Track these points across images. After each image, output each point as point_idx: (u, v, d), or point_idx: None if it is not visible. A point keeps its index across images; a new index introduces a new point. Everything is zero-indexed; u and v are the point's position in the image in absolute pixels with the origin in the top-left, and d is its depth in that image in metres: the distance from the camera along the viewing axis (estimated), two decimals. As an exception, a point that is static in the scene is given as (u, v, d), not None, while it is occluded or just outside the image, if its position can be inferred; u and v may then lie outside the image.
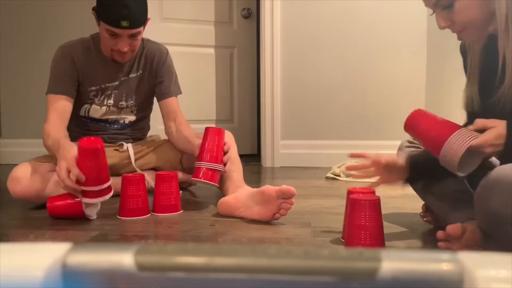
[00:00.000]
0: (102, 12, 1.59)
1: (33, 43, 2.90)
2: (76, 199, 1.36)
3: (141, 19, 1.61)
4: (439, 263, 0.29)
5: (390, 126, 2.62)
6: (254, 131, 3.27)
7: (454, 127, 1.00)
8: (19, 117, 2.95)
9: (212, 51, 3.09)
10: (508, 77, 0.97)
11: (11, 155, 2.81)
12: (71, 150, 1.33)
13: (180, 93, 1.88)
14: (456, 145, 0.95)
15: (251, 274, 0.29)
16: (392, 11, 2.67)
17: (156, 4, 2.89)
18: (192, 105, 3.03)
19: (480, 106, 1.08)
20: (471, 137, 0.94)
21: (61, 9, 2.88)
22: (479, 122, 0.96)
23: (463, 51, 1.19)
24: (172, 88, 1.82)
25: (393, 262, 0.29)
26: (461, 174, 1.01)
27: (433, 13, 1.06)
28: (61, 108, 1.64)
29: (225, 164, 1.50)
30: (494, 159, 1.22)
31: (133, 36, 1.62)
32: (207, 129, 1.51)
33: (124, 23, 1.56)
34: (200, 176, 1.46)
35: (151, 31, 2.84)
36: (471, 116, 1.11)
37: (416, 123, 1.07)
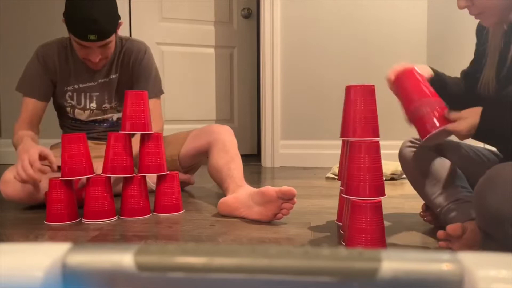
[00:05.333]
0: (69, 25, 1.57)
1: (33, 43, 2.90)
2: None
3: (110, 30, 1.58)
4: (439, 263, 0.29)
5: (390, 126, 2.62)
6: (254, 131, 3.27)
7: (432, 98, 1.04)
8: (19, 117, 2.94)
9: (212, 51, 3.09)
10: None
11: (11, 155, 2.80)
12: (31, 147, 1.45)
13: (161, 93, 1.82)
14: (430, 122, 1.01)
15: (251, 274, 0.29)
16: (392, 11, 2.67)
17: (156, 4, 2.89)
18: (192, 105, 3.04)
19: (496, 92, 1.07)
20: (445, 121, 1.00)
21: (61, 9, 2.88)
22: (454, 115, 1.01)
23: (480, 31, 1.17)
24: (147, 89, 1.62)
25: (393, 262, 0.29)
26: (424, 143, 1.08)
27: None
28: (30, 110, 1.70)
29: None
30: (492, 158, 1.22)
31: (104, 46, 1.60)
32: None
33: (92, 37, 1.53)
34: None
35: (151, 31, 2.85)
36: (486, 101, 1.11)
37: (402, 81, 1.08)
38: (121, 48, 1.75)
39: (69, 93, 1.73)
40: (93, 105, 1.76)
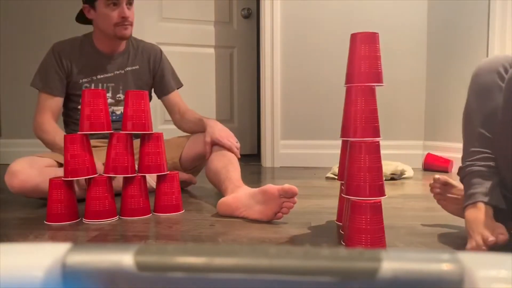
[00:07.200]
0: None
1: (33, 43, 2.90)
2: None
3: None
4: (439, 263, 0.29)
5: (390, 126, 2.62)
6: (254, 131, 3.27)
7: None
8: (19, 117, 2.95)
9: (212, 51, 3.09)
10: None
11: (11, 155, 2.80)
12: None
13: (181, 84, 1.99)
14: None
15: (251, 274, 0.29)
16: (392, 12, 2.67)
17: (156, 4, 2.89)
18: (192, 105, 3.01)
19: None
20: None
21: (61, 9, 2.89)
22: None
23: None
24: (172, 83, 1.95)
25: (393, 262, 0.29)
26: None
27: None
28: (48, 105, 1.74)
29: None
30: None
31: (130, 4, 1.72)
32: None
33: None
34: None
35: (151, 31, 2.85)
36: None
37: None
38: (136, 45, 1.88)
39: (86, 84, 1.79)
40: (109, 94, 1.83)
